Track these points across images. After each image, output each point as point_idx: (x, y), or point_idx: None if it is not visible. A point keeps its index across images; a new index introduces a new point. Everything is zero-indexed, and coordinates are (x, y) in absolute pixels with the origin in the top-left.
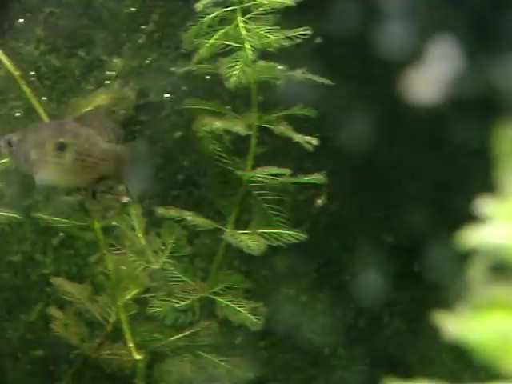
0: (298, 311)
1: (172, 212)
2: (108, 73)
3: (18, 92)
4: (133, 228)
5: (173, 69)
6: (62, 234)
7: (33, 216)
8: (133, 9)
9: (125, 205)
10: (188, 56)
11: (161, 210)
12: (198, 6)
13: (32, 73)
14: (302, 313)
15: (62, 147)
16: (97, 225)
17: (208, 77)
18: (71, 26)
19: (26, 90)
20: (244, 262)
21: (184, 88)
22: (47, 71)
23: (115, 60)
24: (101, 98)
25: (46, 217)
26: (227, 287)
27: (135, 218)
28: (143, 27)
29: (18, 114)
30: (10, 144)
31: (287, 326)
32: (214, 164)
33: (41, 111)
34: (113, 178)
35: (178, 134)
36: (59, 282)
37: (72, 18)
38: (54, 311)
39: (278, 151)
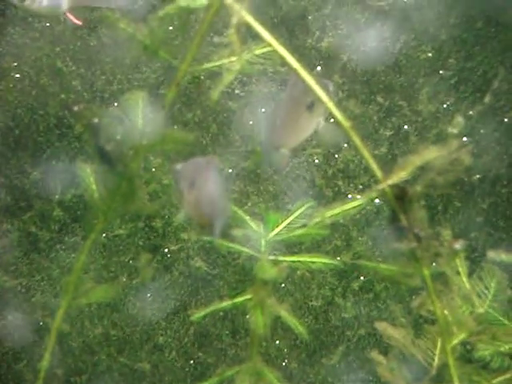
0: None
1: (503, 256)
2: (450, 130)
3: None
4: (457, 273)
5: (470, 112)
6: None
7: (350, 262)
8: (429, 54)
9: (455, 251)
10: (481, 99)
11: (491, 254)
12: None
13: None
14: None
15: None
16: (426, 271)
17: (506, 119)
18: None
19: (357, 140)
20: None
21: (482, 131)
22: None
23: (459, 119)
24: (434, 156)
25: (372, 264)
26: None
27: (460, 263)
28: (441, 72)
29: None
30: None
31: None
32: None
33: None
34: None
35: (476, 177)
36: (382, 326)
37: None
38: (376, 356)
39: None
